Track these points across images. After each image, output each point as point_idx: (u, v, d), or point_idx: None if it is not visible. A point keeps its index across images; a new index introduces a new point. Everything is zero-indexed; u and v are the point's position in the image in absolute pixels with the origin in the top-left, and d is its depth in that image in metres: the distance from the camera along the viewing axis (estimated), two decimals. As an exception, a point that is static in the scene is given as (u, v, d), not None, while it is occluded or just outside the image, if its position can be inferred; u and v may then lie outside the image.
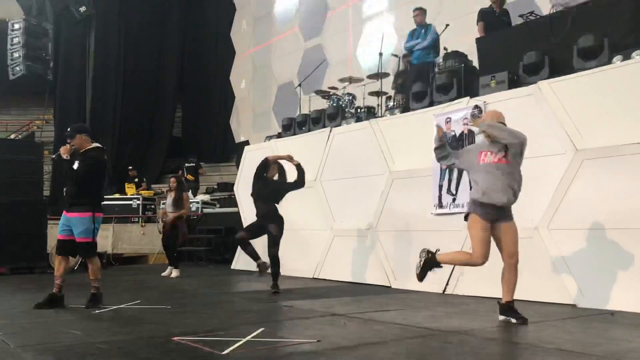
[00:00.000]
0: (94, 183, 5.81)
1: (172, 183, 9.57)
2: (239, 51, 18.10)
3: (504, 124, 4.81)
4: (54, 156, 6.14)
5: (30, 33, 17.91)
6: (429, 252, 4.97)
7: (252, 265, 7.58)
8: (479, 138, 5.10)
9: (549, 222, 6.03)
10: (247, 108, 17.62)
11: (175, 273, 9.20)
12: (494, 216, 4.70)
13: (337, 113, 9.46)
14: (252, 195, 7.37)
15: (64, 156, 5.80)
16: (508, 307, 4.73)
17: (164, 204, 10.66)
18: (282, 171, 7.47)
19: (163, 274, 9.30)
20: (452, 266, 6.73)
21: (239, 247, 7.64)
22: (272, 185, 7.32)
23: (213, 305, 5.97)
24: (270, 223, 7.09)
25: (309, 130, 9.89)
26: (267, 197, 7.20)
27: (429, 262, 4.95)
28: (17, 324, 4.72)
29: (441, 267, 5.04)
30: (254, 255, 7.17)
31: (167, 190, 10.15)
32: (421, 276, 4.99)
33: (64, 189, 6.01)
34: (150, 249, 13.05)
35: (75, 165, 5.72)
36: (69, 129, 5.96)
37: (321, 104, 10.54)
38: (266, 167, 7.27)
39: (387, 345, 3.86)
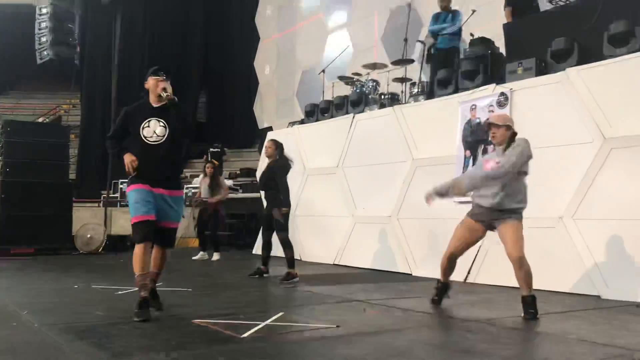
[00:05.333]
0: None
1: (209, 169, 9.69)
2: (264, 37, 18.06)
3: (511, 126, 4.62)
4: (169, 96, 4.30)
5: (57, 18, 18.13)
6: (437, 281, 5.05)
7: (274, 251, 7.49)
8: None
9: (575, 212, 5.92)
10: (270, 94, 17.61)
11: (216, 256, 9.35)
12: (484, 217, 4.64)
13: (360, 99, 9.40)
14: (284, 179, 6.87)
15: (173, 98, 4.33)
16: (522, 300, 4.54)
17: (194, 189, 10.77)
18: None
19: (194, 258, 9.40)
20: (475, 255, 6.67)
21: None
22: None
23: (233, 289, 6.01)
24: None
25: (332, 117, 9.84)
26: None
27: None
28: (41, 303, 4.81)
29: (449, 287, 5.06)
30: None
31: (202, 176, 10.26)
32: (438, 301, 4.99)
33: (150, 155, 4.30)
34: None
35: (157, 123, 4.35)
36: (156, 67, 4.56)
37: (345, 90, 10.47)
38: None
39: (407, 333, 3.84)
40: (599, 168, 5.78)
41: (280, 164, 6.90)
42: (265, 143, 7.27)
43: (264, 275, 6.98)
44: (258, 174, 11.16)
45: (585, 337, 3.71)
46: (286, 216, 6.75)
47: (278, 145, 7.00)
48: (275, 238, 6.93)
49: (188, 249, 9.83)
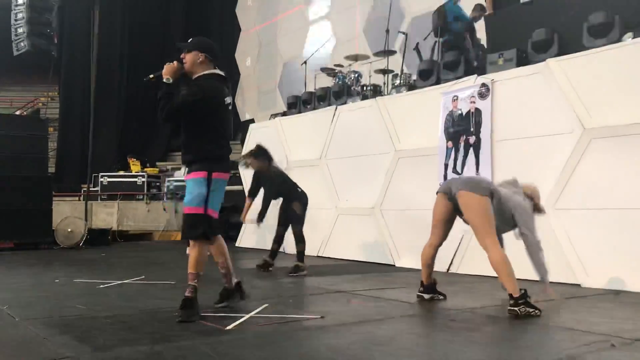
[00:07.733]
0: (210, 126, 4.04)
1: None
2: (245, 28, 17.93)
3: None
4: (150, 76, 4.11)
5: (34, 8, 17.77)
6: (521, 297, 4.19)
7: (257, 243, 7.49)
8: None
9: (555, 201, 5.98)
10: (252, 86, 17.51)
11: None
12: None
13: (342, 91, 9.39)
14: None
15: (165, 78, 4.01)
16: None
17: (175, 182, 10.65)
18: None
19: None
20: (457, 245, 6.72)
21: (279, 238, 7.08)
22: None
23: (217, 282, 5.97)
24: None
25: (315, 108, 9.83)
26: None
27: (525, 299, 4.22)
28: (22, 298, 4.75)
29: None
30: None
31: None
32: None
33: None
34: (155, 226, 13.09)
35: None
36: (190, 41, 4.23)
37: (327, 81, 10.46)
38: None
39: (391, 322, 3.86)
40: (579, 158, 5.84)
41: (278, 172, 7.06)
42: (248, 160, 6.90)
43: (269, 269, 6.93)
44: (240, 169, 11.10)
45: (566, 324, 3.76)
46: (304, 210, 6.95)
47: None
48: (288, 233, 7.04)
49: (170, 242, 9.75)
